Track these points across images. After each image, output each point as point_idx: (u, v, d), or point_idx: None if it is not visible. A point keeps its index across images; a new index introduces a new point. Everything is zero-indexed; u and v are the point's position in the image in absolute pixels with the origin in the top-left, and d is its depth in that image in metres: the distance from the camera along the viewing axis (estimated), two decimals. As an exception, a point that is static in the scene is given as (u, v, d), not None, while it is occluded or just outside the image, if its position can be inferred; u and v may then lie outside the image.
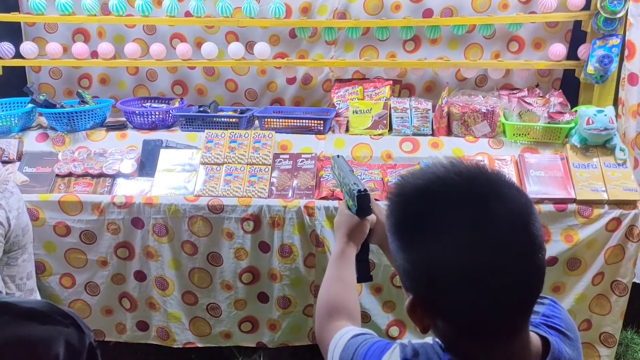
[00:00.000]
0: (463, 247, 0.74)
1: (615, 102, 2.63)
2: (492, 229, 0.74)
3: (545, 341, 0.85)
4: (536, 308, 0.89)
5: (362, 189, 1.22)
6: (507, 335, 0.79)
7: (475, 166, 0.79)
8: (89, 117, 2.69)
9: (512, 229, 0.75)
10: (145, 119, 2.73)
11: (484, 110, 2.58)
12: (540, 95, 2.77)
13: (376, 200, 2.29)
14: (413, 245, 0.79)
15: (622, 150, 2.42)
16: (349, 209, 1.27)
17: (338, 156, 1.45)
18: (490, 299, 0.74)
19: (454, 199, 0.76)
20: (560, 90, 2.80)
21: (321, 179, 2.43)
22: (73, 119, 2.65)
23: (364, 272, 1.25)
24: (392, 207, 0.83)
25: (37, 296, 2.17)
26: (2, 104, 2.80)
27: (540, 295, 0.81)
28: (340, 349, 0.98)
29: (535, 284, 0.78)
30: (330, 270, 1.22)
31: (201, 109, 2.83)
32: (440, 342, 0.84)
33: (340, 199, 2.34)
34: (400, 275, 0.84)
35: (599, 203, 2.33)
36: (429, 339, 0.87)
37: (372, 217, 1.25)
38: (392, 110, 2.69)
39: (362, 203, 1.22)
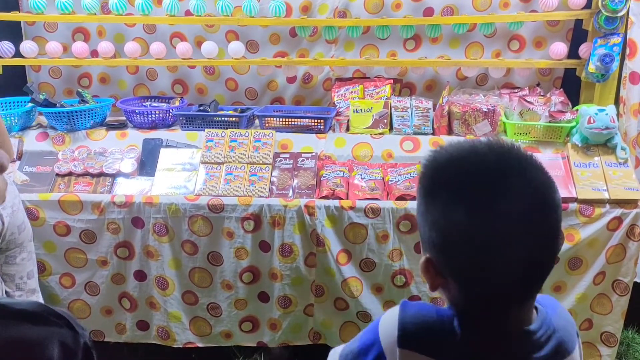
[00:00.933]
0: (480, 214, 0.78)
1: (617, 101, 2.62)
2: (511, 202, 0.78)
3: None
4: None
5: None
6: (513, 305, 0.84)
7: (509, 144, 0.83)
8: (89, 117, 2.69)
9: (531, 207, 0.79)
10: (146, 118, 2.72)
11: (485, 109, 2.58)
12: (541, 94, 2.76)
13: (377, 199, 2.30)
14: (435, 206, 0.83)
15: (623, 149, 2.42)
16: None
17: None
18: (500, 269, 0.78)
19: (481, 167, 0.81)
20: (562, 89, 2.80)
21: (322, 178, 2.43)
22: (73, 118, 2.64)
23: None
24: (424, 169, 0.87)
25: (39, 296, 2.17)
26: (2, 103, 2.79)
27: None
28: None
29: (547, 261, 0.82)
30: None
31: (201, 108, 2.82)
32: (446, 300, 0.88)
33: (342, 199, 2.33)
34: (420, 236, 0.89)
35: (600, 202, 2.32)
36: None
37: None
38: (393, 109, 2.68)
39: None
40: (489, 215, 0.78)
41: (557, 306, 0.94)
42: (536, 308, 0.89)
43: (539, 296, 0.88)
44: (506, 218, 0.77)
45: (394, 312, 0.90)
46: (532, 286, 0.83)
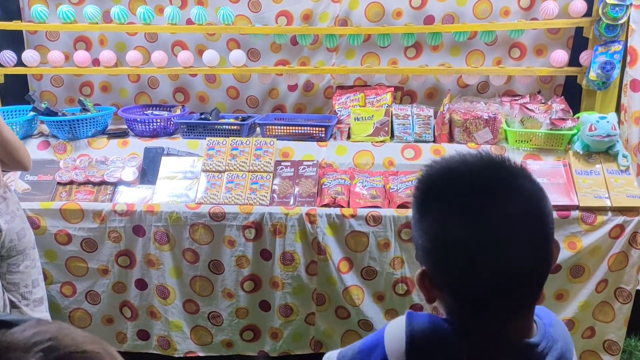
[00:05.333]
0: (472, 224, 0.78)
1: (618, 109, 2.62)
2: (502, 211, 0.79)
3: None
4: None
5: None
6: (510, 316, 0.83)
7: (499, 156, 0.85)
8: (90, 125, 2.69)
9: (522, 215, 0.79)
10: (147, 127, 2.73)
11: (486, 117, 2.58)
12: (542, 101, 2.76)
13: (378, 207, 2.29)
14: (428, 218, 0.84)
15: (625, 156, 2.42)
16: None
17: None
18: (495, 279, 0.78)
19: (472, 179, 0.82)
20: (562, 97, 2.80)
21: (323, 187, 2.43)
22: (74, 127, 2.65)
23: None
24: (417, 183, 0.88)
25: (46, 306, 2.15)
26: (4, 112, 2.79)
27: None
28: None
29: (541, 271, 0.82)
30: None
31: (202, 116, 2.83)
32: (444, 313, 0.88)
33: (343, 207, 2.33)
34: (415, 247, 0.89)
35: (602, 210, 2.32)
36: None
37: None
38: (394, 117, 2.68)
39: None
40: (480, 224, 0.78)
41: (552, 316, 0.94)
42: (534, 321, 0.88)
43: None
44: (498, 227, 0.78)
45: (399, 323, 0.90)
46: (528, 295, 0.83)
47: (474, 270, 0.79)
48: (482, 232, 0.78)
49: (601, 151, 2.45)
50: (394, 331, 0.90)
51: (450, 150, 2.56)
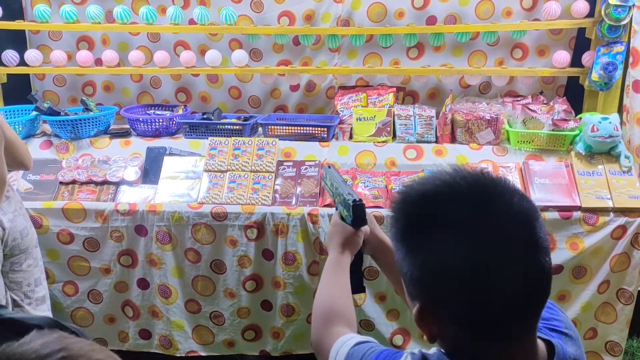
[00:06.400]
0: (467, 248, 0.75)
1: (620, 110, 2.62)
2: (496, 230, 0.76)
3: (549, 344, 0.85)
4: None
5: (357, 199, 1.21)
6: (515, 338, 0.80)
7: (479, 172, 0.81)
8: (92, 125, 2.70)
9: (516, 231, 0.77)
10: (149, 127, 2.73)
11: (488, 118, 2.58)
12: (545, 102, 2.76)
13: (379, 207, 2.29)
14: (419, 249, 0.80)
15: (627, 157, 2.41)
16: (343, 219, 1.26)
17: (329, 166, 1.46)
18: (497, 301, 0.76)
19: (458, 201, 0.78)
20: (565, 98, 2.79)
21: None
22: (77, 127, 2.65)
23: (357, 283, 1.24)
24: (398, 213, 0.84)
25: (48, 304, 2.16)
26: (6, 112, 2.80)
27: None
28: (343, 356, 0.97)
29: (542, 286, 0.79)
30: (325, 276, 1.21)
31: (205, 116, 2.83)
32: (445, 350, 0.84)
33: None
34: (405, 284, 0.85)
35: (604, 211, 2.31)
36: (434, 349, 0.87)
37: (365, 228, 1.25)
38: (396, 118, 2.68)
39: (357, 213, 1.21)
40: (476, 246, 0.75)
41: (558, 314, 0.92)
42: (550, 342, 0.86)
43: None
44: (497, 246, 0.75)
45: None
46: (531, 312, 0.80)
47: (476, 294, 0.75)
48: (480, 254, 0.75)
49: (603, 152, 2.45)
50: None
51: (451, 150, 2.57)
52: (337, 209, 1.31)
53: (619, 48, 2.53)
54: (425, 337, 0.84)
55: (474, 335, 0.79)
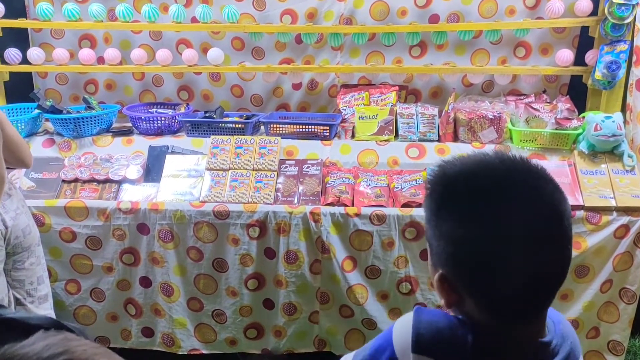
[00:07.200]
0: (494, 229, 0.78)
1: (623, 108, 2.61)
2: (525, 216, 0.78)
3: None
4: None
5: None
6: (528, 318, 0.83)
7: (518, 157, 0.83)
8: (95, 123, 2.70)
9: (544, 220, 0.79)
10: (151, 125, 2.73)
11: (491, 116, 2.57)
12: (548, 101, 2.75)
13: (382, 206, 2.29)
14: (447, 221, 0.82)
15: (630, 156, 2.41)
16: None
17: None
18: (515, 283, 0.78)
19: (493, 182, 0.81)
20: (568, 96, 2.78)
21: (327, 185, 2.43)
22: (79, 125, 2.65)
23: None
24: (432, 185, 0.87)
25: (50, 303, 2.16)
26: (8, 110, 2.81)
27: None
28: None
29: (561, 272, 0.82)
30: None
31: (207, 114, 2.83)
32: (459, 317, 0.87)
33: (347, 205, 2.33)
34: (431, 253, 0.88)
35: (607, 210, 2.31)
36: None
37: None
38: (398, 116, 2.68)
39: None
40: (502, 227, 0.78)
41: (558, 314, 0.94)
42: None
43: None
44: (519, 229, 0.77)
45: (408, 318, 0.89)
46: (546, 296, 0.83)
47: (495, 272, 0.78)
48: (505, 236, 0.77)
49: (606, 151, 2.44)
50: (401, 325, 0.90)
51: (454, 149, 2.56)
52: None
53: (623, 47, 2.53)
54: (442, 301, 0.87)
55: (487, 311, 0.82)
